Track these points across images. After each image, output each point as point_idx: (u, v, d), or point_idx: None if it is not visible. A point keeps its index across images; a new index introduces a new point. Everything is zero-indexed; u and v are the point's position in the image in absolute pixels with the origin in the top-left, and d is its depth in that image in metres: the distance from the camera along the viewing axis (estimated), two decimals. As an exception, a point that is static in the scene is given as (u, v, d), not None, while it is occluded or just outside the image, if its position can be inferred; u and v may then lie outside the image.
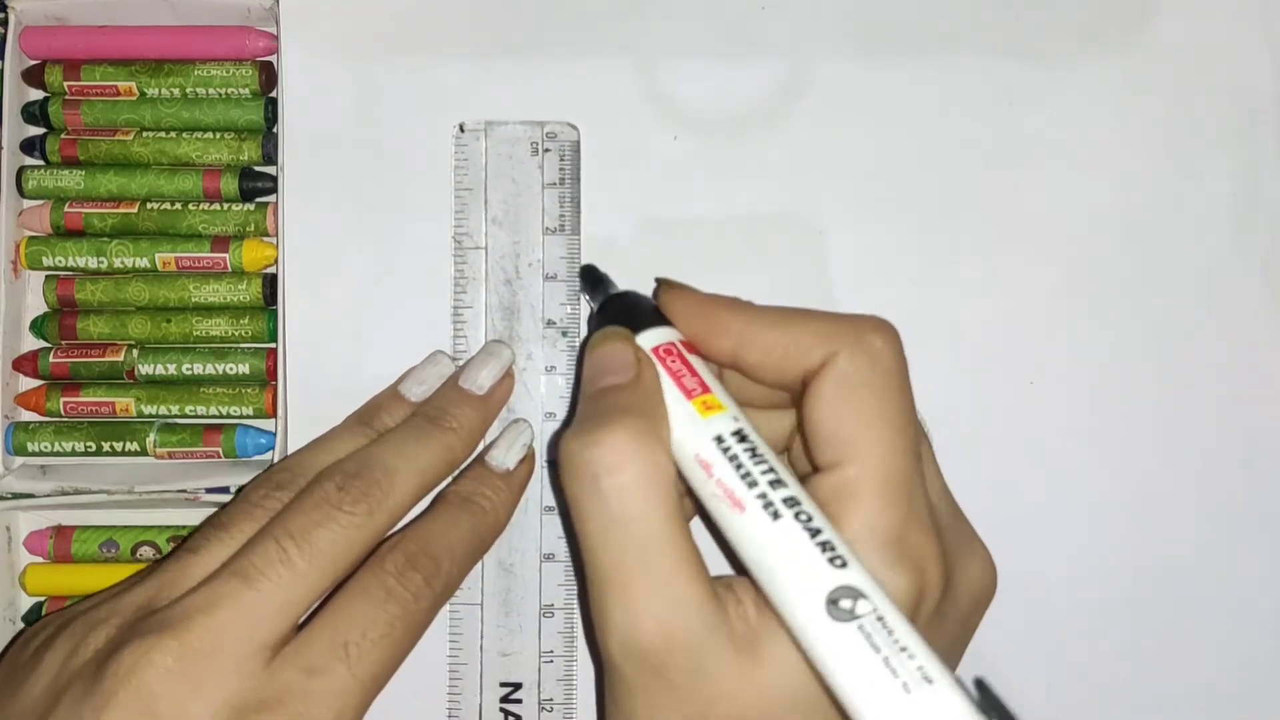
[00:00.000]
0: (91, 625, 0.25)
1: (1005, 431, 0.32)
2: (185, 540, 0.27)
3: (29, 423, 0.34)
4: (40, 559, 0.34)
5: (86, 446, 0.34)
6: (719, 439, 0.24)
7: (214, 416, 0.34)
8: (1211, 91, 0.33)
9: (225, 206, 0.34)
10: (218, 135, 0.34)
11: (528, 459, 0.31)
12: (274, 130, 0.34)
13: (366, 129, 0.33)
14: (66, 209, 0.34)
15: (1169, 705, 0.32)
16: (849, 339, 0.24)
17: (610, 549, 0.23)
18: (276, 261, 0.33)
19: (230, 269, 0.34)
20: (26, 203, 0.34)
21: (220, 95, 0.34)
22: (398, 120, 0.33)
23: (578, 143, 0.32)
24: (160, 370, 0.34)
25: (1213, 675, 0.32)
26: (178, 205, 0.34)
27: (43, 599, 0.34)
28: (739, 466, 0.23)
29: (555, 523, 0.32)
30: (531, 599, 0.32)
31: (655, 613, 0.23)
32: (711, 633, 0.23)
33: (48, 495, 0.33)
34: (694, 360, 0.26)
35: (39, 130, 0.35)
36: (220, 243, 0.34)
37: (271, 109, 0.34)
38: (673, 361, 0.26)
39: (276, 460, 0.32)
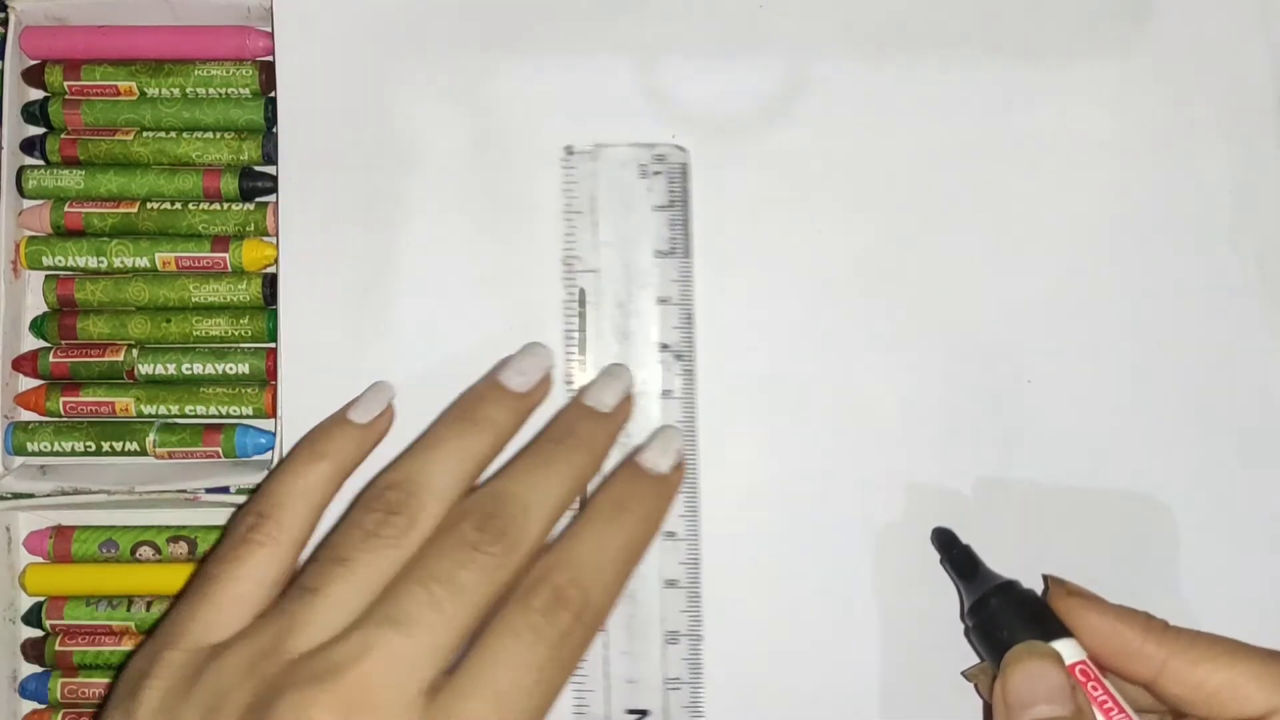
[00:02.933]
0: (223, 676, 0.24)
1: (1003, 430, 0.32)
2: (301, 577, 0.26)
3: (29, 422, 0.34)
4: (40, 559, 0.34)
5: (86, 446, 0.34)
6: None
7: (214, 416, 0.34)
8: (1210, 91, 0.33)
9: (225, 206, 0.34)
10: (218, 135, 0.34)
11: (681, 465, 0.29)
12: (274, 130, 0.34)
13: (363, 128, 0.33)
14: (66, 209, 0.34)
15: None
16: None
17: None
18: (276, 261, 0.33)
19: (230, 269, 0.34)
20: (26, 202, 0.34)
21: (220, 95, 0.34)
22: (395, 119, 0.33)
23: (687, 165, 0.32)
24: (160, 370, 0.34)
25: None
26: (178, 205, 0.34)
27: (43, 599, 0.34)
28: None
29: (676, 548, 0.31)
30: (654, 625, 0.31)
31: None
32: None
33: (48, 495, 0.33)
34: (1109, 684, 0.25)
35: (39, 130, 0.35)
36: (220, 242, 0.34)
37: (271, 109, 0.34)
38: (1094, 688, 0.25)
39: (277, 460, 0.32)
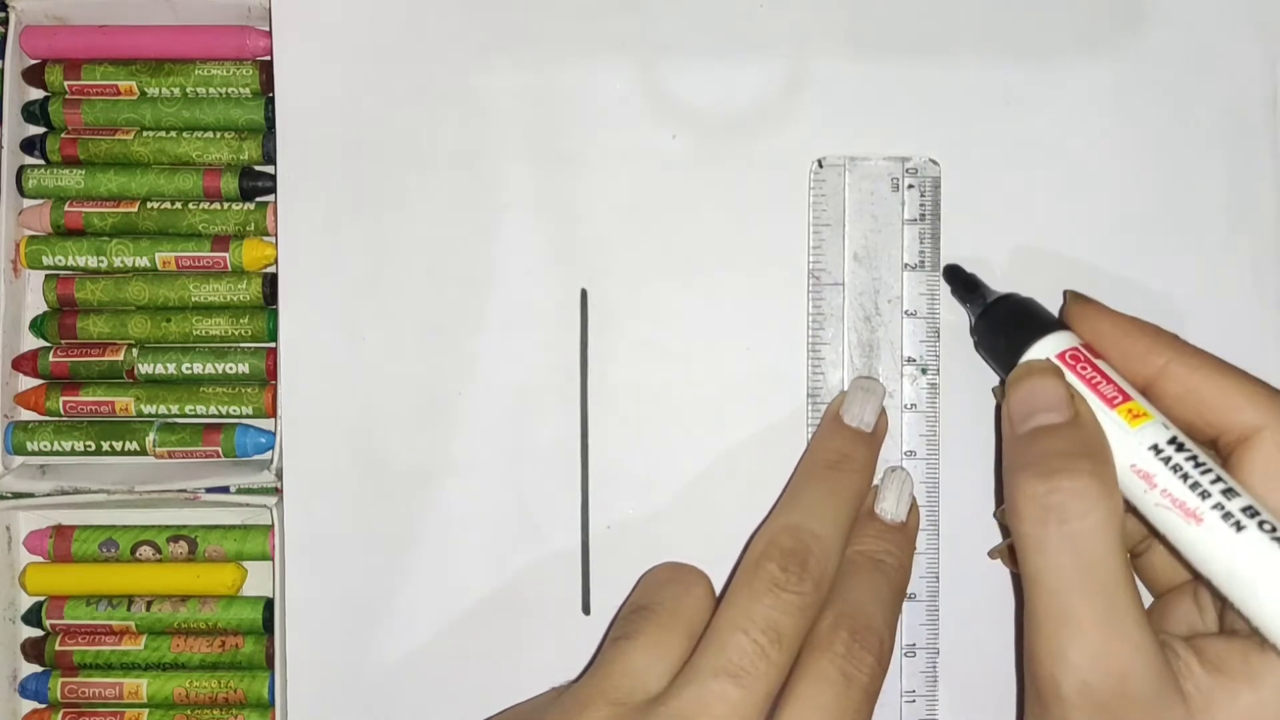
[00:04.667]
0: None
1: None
2: (707, 634, 0.26)
3: (28, 422, 0.34)
4: (40, 559, 0.34)
5: (86, 446, 0.34)
6: (1155, 448, 0.24)
7: (214, 416, 0.34)
8: (1205, 94, 0.33)
9: (225, 206, 0.34)
10: (218, 135, 0.34)
11: (915, 506, 0.30)
12: (274, 130, 0.34)
13: (362, 127, 0.33)
14: (66, 208, 0.34)
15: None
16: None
17: (1074, 591, 0.24)
18: (276, 261, 0.33)
19: (230, 268, 0.34)
20: (26, 202, 0.34)
21: (220, 95, 0.34)
22: (394, 118, 0.33)
23: (938, 179, 0.32)
24: (160, 370, 0.34)
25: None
26: (178, 205, 0.34)
27: (43, 599, 0.34)
28: (1185, 476, 0.24)
29: (916, 562, 0.31)
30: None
31: (1115, 657, 0.23)
32: (1163, 684, 0.23)
33: (47, 495, 0.33)
34: (1103, 366, 0.26)
35: (39, 129, 0.35)
36: (220, 242, 0.34)
37: (271, 108, 0.34)
38: (1083, 368, 0.26)
39: (278, 461, 0.32)
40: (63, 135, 0.34)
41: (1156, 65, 0.33)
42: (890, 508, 0.30)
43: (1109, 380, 0.26)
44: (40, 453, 0.34)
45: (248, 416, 0.34)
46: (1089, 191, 0.33)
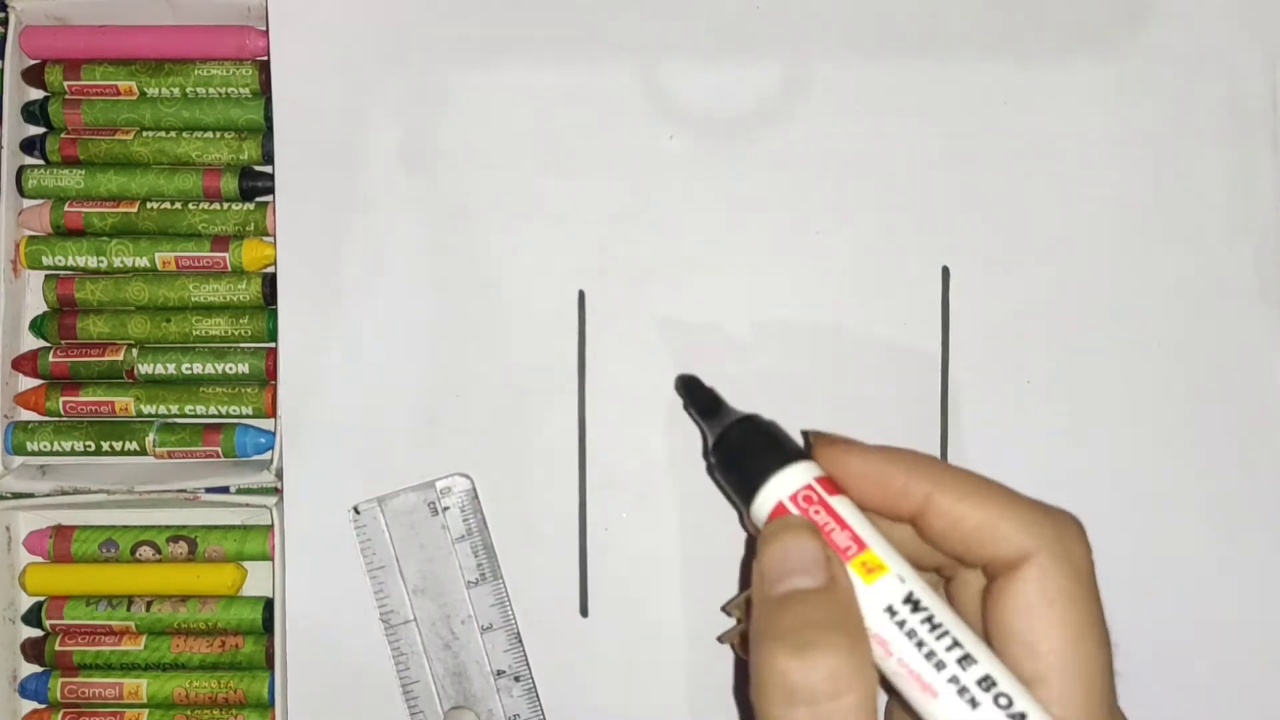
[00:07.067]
0: None
1: (1001, 430, 0.33)
2: None
3: (28, 422, 0.34)
4: (40, 559, 0.34)
5: (86, 446, 0.34)
6: (890, 609, 0.23)
7: (213, 416, 0.34)
8: (1204, 94, 0.33)
9: (225, 206, 0.34)
10: (218, 135, 0.34)
11: None
12: (274, 129, 0.34)
13: (360, 127, 0.33)
14: (66, 208, 0.34)
15: (1165, 706, 0.32)
16: (1048, 539, 0.23)
17: None
18: (276, 261, 0.33)
19: (230, 268, 0.34)
20: (26, 202, 0.35)
21: (220, 95, 0.34)
22: (392, 118, 0.33)
23: (473, 490, 0.32)
24: (160, 370, 0.34)
25: (1211, 677, 0.32)
26: (178, 205, 0.34)
27: (43, 599, 0.34)
28: (920, 644, 0.22)
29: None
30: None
31: None
32: None
33: (47, 495, 0.33)
34: (838, 505, 0.24)
35: (39, 130, 0.35)
36: (220, 242, 0.34)
37: (271, 108, 0.34)
38: (816, 512, 0.24)
39: (278, 461, 0.33)
40: (63, 135, 0.34)
41: (1156, 65, 0.33)
42: None
43: (843, 525, 0.24)
44: (40, 453, 0.34)
45: (248, 416, 0.34)
46: (1088, 191, 0.33)
